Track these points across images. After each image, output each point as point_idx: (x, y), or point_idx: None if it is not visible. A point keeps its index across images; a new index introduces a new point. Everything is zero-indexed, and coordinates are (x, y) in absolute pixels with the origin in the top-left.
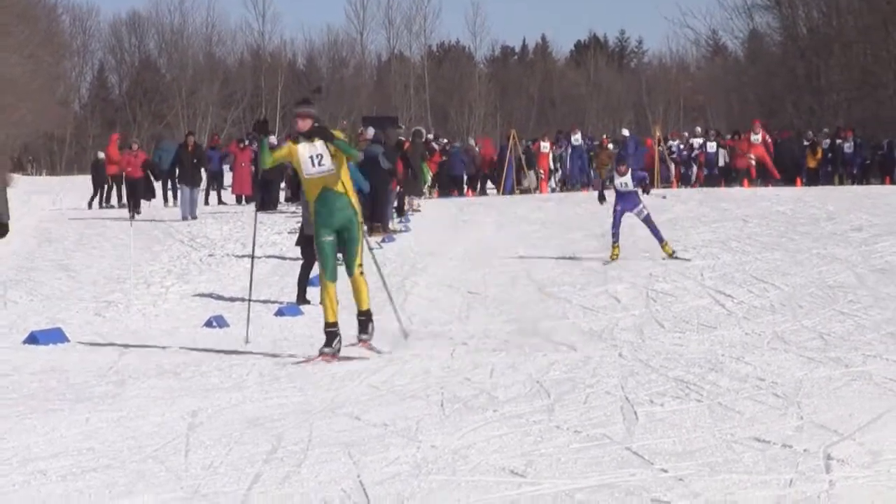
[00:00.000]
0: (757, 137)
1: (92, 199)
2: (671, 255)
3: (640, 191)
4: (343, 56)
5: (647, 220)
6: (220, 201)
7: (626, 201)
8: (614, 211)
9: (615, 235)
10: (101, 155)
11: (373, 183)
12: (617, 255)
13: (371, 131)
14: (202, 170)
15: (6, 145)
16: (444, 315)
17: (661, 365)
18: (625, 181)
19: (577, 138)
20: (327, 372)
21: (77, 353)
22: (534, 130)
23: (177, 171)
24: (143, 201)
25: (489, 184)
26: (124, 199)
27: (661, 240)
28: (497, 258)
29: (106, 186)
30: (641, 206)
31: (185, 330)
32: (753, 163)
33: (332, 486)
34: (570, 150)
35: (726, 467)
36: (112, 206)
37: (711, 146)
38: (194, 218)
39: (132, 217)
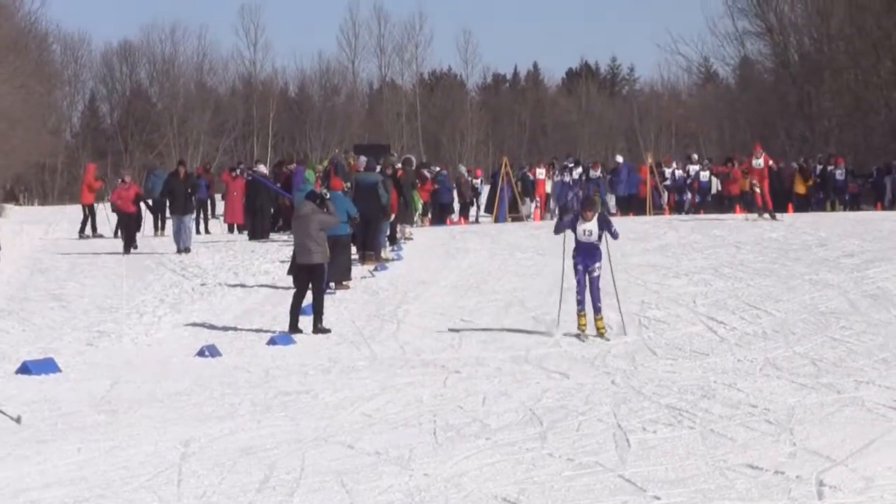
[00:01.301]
0: (759, 162)
1: (82, 227)
2: (601, 333)
3: (602, 240)
4: (335, 84)
5: (596, 283)
6: (206, 230)
7: (587, 256)
8: (575, 269)
9: (580, 302)
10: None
11: (366, 211)
12: (584, 325)
13: (363, 160)
14: (193, 199)
15: None
16: (437, 343)
17: (653, 392)
18: (589, 229)
19: (596, 174)
20: (319, 400)
21: (69, 383)
22: (525, 158)
23: (167, 201)
24: (137, 234)
25: (482, 211)
26: (107, 231)
27: (597, 310)
28: (489, 286)
29: (84, 216)
30: (599, 264)
31: (178, 359)
32: (758, 190)
33: None
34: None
35: (719, 494)
36: (98, 236)
37: (704, 175)
38: (187, 251)
39: (126, 252)
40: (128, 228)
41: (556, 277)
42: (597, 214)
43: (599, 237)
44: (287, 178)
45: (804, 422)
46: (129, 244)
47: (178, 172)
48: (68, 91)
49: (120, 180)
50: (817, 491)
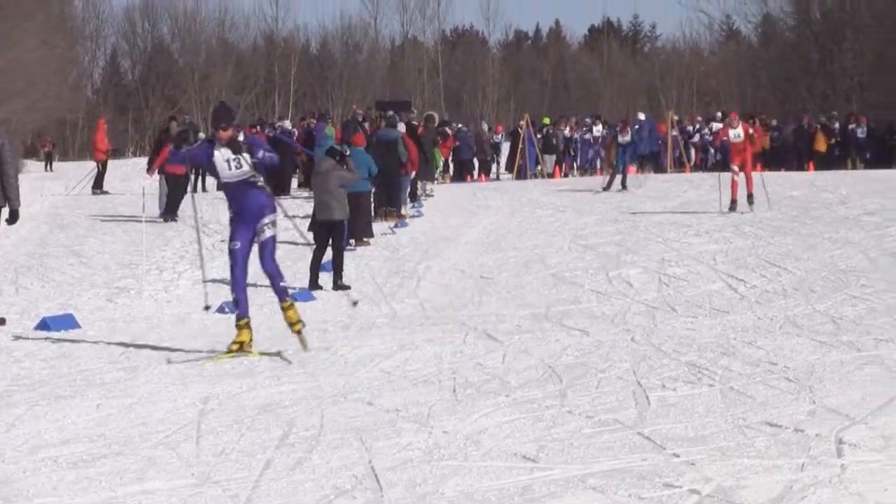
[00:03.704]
0: (737, 133)
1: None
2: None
3: None
4: (356, 41)
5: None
6: None
7: None
8: None
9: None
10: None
11: (387, 167)
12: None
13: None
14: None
15: (18, 130)
16: (457, 300)
17: (673, 349)
18: None
19: (626, 139)
20: (339, 357)
21: (88, 340)
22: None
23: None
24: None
25: (502, 169)
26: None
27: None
28: (510, 243)
29: (97, 171)
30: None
31: (197, 315)
32: (737, 178)
33: (343, 473)
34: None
35: (738, 452)
36: (104, 192)
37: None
38: (174, 218)
39: (167, 220)
40: (176, 194)
41: (575, 234)
42: None
43: None
44: (308, 134)
45: (824, 380)
46: (174, 210)
47: (169, 130)
48: (90, 47)
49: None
50: (836, 449)
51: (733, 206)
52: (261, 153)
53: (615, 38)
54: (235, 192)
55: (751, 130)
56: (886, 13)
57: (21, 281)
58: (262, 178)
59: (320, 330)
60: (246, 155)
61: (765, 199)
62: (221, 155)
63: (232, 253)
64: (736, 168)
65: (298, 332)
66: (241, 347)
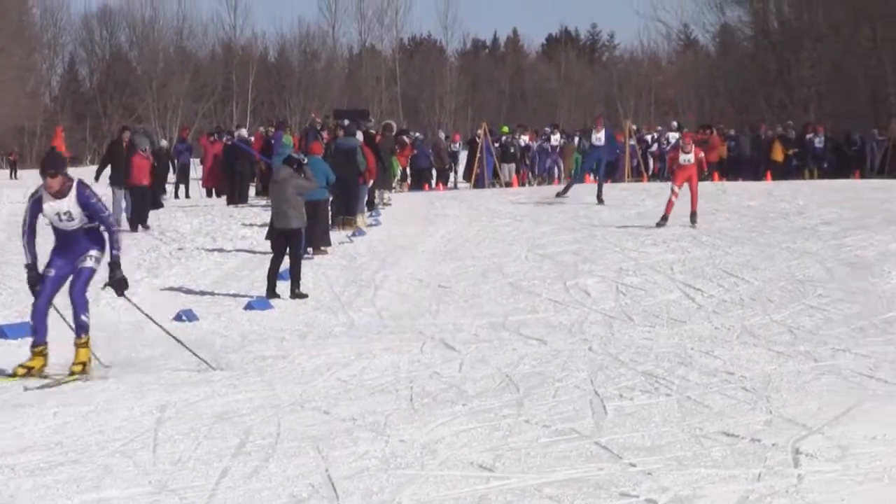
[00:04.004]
0: (688, 158)
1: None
2: None
3: None
4: (314, 49)
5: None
6: (187, 195)
7: None
8: None
9: None
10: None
11: (345, 175)
12: None
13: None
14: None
15: None
16: (415, 309)
17: (630, 359)
18: None
19: (599, 137)
20: (296, 366)
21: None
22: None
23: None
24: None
25: (461, 178)
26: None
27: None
28: (467, 252)
29: None
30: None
31: (154, 324)
32: (675, 199)
33: (300, 481)
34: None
35: (695, 461)
36: None
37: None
38: (120, 223)
39: (135, 230)
40: (143, 204)
41: (533, 244)
42: None
43: None
44: (266, 143)
45: (780, 389)
46: (143, 221)
47: (121, 140)
48: (48, 55)
49: (141, 150)
50: (793, 459)
51: (663, 221)
52: (93, 212)
53: (573, 48)
54: (64, 233)
55: (701, 155)
56: (844, 23)
57: None
58: (97, 223)
59: (277, 339)
60: (77, 207)
61: (722, 207)
62: (52, 208)
63: (43, 279)
64: (676, 189)
65: (73, 373)
66: (28, 372)
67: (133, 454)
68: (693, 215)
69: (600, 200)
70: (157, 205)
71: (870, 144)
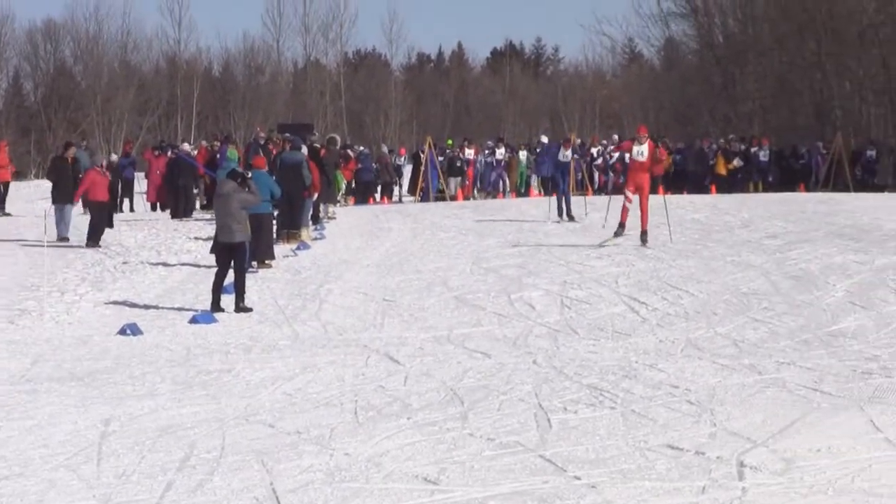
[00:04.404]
0: (641, 150)
1: None
2: None
3: None
4: (259, 63)
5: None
6: (132, 209)
7: None
8: None
9: None
10: None
11: (290, 189)
12: None
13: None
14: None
15: None
16: (360, 322)
17: (575, 372)
18: None
19: (566, 154)
20: (241, 379)
21: None
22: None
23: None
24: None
25: (405, 191)
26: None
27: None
28: (412, 266)
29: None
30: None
31: (99, 338)
32: (629, 205)
33: (244, 494)
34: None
35: (639, 474)
36: (6, 215)
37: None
38: (67, 239)
39: (91, 246)
40: (100, 221)
41: (477, 257)
42: None
43: None
44: (211, 157)
45: (725, 402)
46: (97, 238)
47: (66, 156)
48: None
49: (98, 165)
50: (738, 472)
51: (620, 230)
52: None
53: (518, 61)
54: None
55: (656, 151)
56: (789, 37)
57: None
58: None
59: (222, 352)
60: None
61: (666, 224)
62: None
63: None
64: (629, 194)
65: None
66: None
67: (77, 468)
68: (643, 234)
69: (570, 217)
70: (111, 223)
71: (814, 158)
